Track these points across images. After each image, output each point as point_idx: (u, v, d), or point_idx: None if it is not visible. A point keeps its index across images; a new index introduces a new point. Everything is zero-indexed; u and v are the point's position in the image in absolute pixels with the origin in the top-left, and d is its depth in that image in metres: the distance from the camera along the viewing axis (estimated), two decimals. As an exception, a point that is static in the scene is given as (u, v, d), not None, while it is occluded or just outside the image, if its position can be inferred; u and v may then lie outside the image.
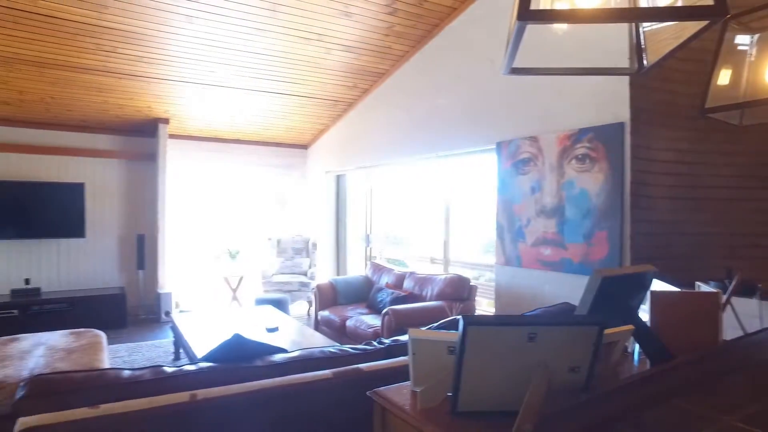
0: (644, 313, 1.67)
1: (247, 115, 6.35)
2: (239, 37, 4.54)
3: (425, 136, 5.11)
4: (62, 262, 5.97)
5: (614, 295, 1.48)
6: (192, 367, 1.78)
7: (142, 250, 6.17)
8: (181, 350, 4.36)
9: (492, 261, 4.34)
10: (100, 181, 6.17)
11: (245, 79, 5.38)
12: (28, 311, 5.31)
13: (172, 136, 6.27)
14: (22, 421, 1.39)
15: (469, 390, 1.24)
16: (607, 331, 1.27)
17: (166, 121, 6.11)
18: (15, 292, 5.48)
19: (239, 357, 1.85)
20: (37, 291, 5.59)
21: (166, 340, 5.13)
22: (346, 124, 6.61)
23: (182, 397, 1.58)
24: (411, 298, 4.57)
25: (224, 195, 7.50)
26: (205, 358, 1.89)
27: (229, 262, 6.65)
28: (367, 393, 1.48)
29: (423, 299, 4.50)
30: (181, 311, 5.91)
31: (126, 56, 4.69)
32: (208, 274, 9.02)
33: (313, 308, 6.25)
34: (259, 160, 7.36)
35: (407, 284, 4.84)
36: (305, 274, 6.66)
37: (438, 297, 4.37)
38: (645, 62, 1.37)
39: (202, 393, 1.60)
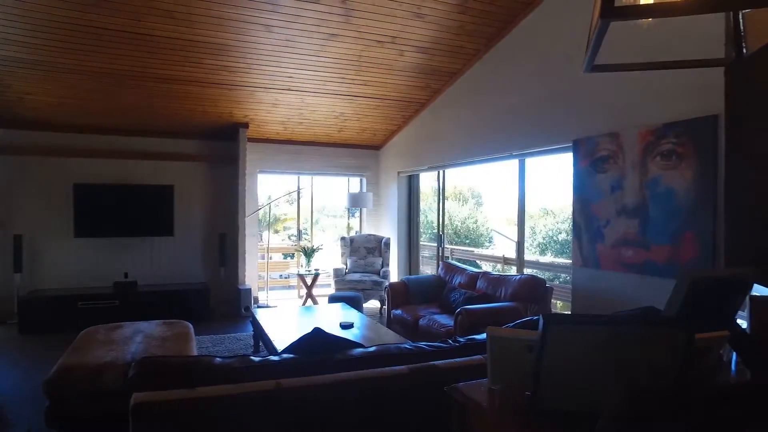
0: (742, 320, 1.57)
1: (322, 118, 6.57)
2: (314, 43, 4.71)
3: (498, 135, 5.04)
4: (154, 258, 6.47)
5: (706, 299, 1.41)
6: (276, 358, 1.88)
7: (223, 248, 6.55)
8: (260, 343, 4.59)
9: (567, 262, 4.20)
10: (187, 183, 6.62)
11: (320, 83, 5.57)
12: (127, 301, 5.81)
13: (250, 140, 6.61)
14: (136, 396, 1.54)
15: (549, 389, 1.23)
16: (699, 335, 1.21)
17: (245, 125, 6.46)
18: (116, 285, 6.02)
19: (319, 350, 1.94)
20: (134, 284, 6.10)
21: (246, 334, 5.42)
22: (418, 125, 6.65)
23: (268, 384, 1.69)
24: (484, 298, 4.53)
25: (299, 195, 7.79)
26: (287, 350, 1.99)
27: (305, 260, 6.89)
28: (445, 388, 1.50)
29: (496, 300, 4.44)
30: (258, 307, 6.21)
31: (210, 66, 5.02)
32: (284, 271, 9.43)
33: (385, 306, 6.35)
34: (333, 161, 7.58)
35: (480, 284, 4.79)
36: (378, 273, 6.78)
37: (512, 298, 4.30)
38: (744, 50, 1.29)
39: (286, 382, 1.70)
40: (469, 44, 4.95)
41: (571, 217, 4.05)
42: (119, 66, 4.87)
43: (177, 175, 6.56)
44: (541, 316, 1.16)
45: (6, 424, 3.30)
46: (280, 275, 9.38)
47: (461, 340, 2.23)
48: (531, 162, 4.93)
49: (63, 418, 3.09)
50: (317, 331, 2.00)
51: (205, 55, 4.79)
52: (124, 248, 6.32)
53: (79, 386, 3.10)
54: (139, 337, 3.79)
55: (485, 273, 4.95)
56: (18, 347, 4.93)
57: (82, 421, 3.12)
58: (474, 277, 4.95)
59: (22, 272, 5.85)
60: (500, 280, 4.61)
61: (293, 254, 11.57)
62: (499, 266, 8.54)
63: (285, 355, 1.91)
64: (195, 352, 3.73)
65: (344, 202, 7.83)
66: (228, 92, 5.64)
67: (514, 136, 4.81)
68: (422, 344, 2.18)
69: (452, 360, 2.03)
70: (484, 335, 2.21)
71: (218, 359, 1.84)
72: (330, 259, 9.56)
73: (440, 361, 2.00)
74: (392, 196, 7.40)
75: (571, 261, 4.13)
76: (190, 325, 4.20)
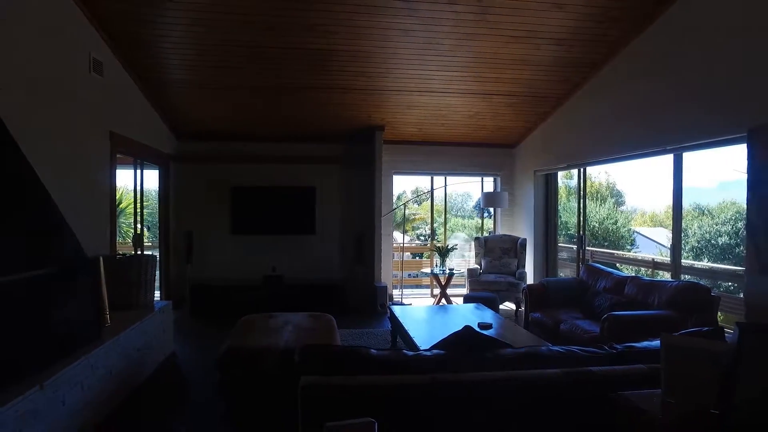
0: None
1: (456, 118, 6.58)
2: (451, 43, 4.74)
3: (648, 128, 4.61)
4: (298, 254, 7.01)
5: None
6: (428, 353, 1.93)
7: (361, 246, 6.87)
8: (397, 339, 4.74)
9: (733, 269, 3.69)
10: (328, 184, 7.08)
11: (455, 83, 5.59)
12: (274, 293, 6.39)
13: (386, 142, 6.85)
14: (305, 379, 1.70)
15: (744, 408, 1.10)
16: None
17: (381, 128, 6.71)
18: (266, 278, 6.64)
19: (469, 348, 1.95)
20: (280, 278, 6.68)
21: (382, 330, 5.63)
22: (556, 120, 6.35)
23: (424, 378, 1.74)
24: (633, 304, 4.18)
25: (432, 195, 7.89)
26: (437, 347, 2.04)
27: (438, 259, 6.95)
28: (610, 396, 1.42)
29: (647, 307, 4.07)
30: (392, 304, 6.41)
31: (350, 73, 5.31)
32: (416, 270, 9.62)
33: (521, 309, 6.17)
34: (467, 161, 7.55)
35: (628, 290, 4.42)
36: (513, 275, 6.60)
37: (667, 306, 3.90)
38: None
39: (440, 377, 1.74)
40: (614, 31, 4.60)
41: (743, 217, 3.56)
42: (273, 80, 5.39)
43: (319, 177, 7.04)
44: (736, 324, 1.05)
45: (186, 387, 3.86)
46: (409, 274, 9.58)
47: (618, 347, 2.09)
48: (688, 157, 4.43)
49: (230, 391, 3.51)
50: (467, 329, 2.01)
51: (346, 63, 5.08)
52: (272, 245, 6.95)
53: (243, 366, 3.50)
54: (289, 326, 4.13)
55: (635, 277, 4.56)
56: (191, 326, 5.68)
57: (245, 395, 3.51)
58: (621, 282, 4.59)
59: (191, 263, 6.73)
60: (653, 286, 4.21)
61: (422, 254, 11.76)
62: (643, 270, 7.81)
63: (435, 351, 1.96)
64: (339, 344, 3.97)
65: (474, 202, 7.74)
66: (366, 97, 5.92)
67: (668, 129, 4.36)
68: (574, 348, 2.09)
69: (610, 367, 1.91)
70: (645, 343, 2.05)
71: (374, 351, 1.94)
72: (461, 260, 9.55)
73: (596, 368, 1.89)
74: (528, 195, 7.15)
75: (742, 267, 3.63)
76: (333, 319, 4.48)
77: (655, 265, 6.91)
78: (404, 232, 8.37)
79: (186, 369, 4.33)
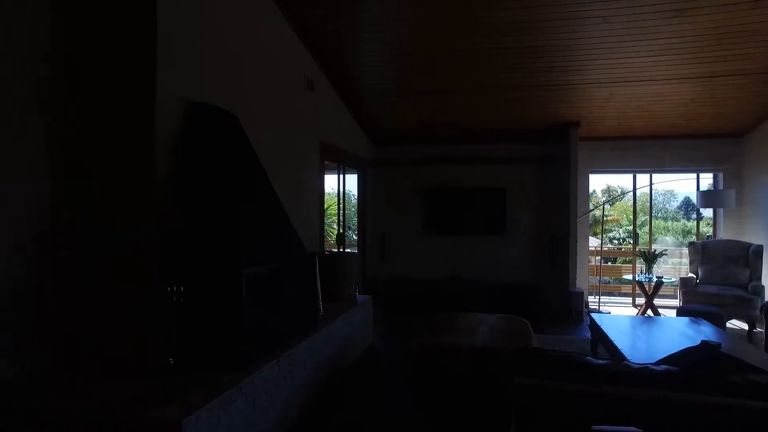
0: None
1: (664, 108, 5.84)
2: (657, 24, 4.21)
3: None
4: (489, 255, 6.97)
5: None
6: (657, 368, 1.74)
7: (554, 249, 6.53)
8: (597, 349, 4.38)
9: None
10: (518, 185, 6.89)
11: (664, 69, 4.96)
12: (463, 293, 6.45)
13: (581, 139, 6.40)
14: (519, 380, 1.67)
15: None
16: None
17: (576, 124, 6.29)
18: (455, 278, 6.76)
19: (710, 367, 1.70)
20: (470, 279, 6.72)
21: (578, 338, 5.27)
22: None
23: (654, 394, 1.57)
24: None
25: (635, 195, 7.14)
26: (665, 362, 1.82)
27: (645, 266, 6.24)
28: None
29: None
30: (590, 312, 5.95)
31: (541, 69, 5.09)
32: (614, 277, 8.80)
33: (756, 329, 5.23)
34: (678, 155, 6.65)
35: None
36: (743, 287, 5.59)
37: None
38: None
39: (676, 396, 1.55)
40: None
41: None
42: (464, 82, 5.46)
43: (508, 177, 6.90)
44: None
45: (384, 377, 4.13)
46: (604, 280, 8.78)
47: None
48: None
49: (424, 384, 3.66)
50: (708, 346, 1.76)
51: (537, 59, 4.89)
52: (461, 245, 7.03)
53: (437, 362, 3.61)
54: (483, 327, 4.13)
55: None
56: (386, 322, 6.06)
57: (439, 390, 3.62)
58: None
59: (384, 261, 7.19)
60: None
61: (615, 258, 10.69)
62: None
63: (665, 367, 1.75)
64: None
65: (680, 202, 6.75)
66: (558, 92, 5.62)
67: None
68: None
69: None
70: None
71: (590, 358, 1.82)
72: (668, 267, 8.44)
73: None
74: (764, 194, 5.97)
75: None
76: (528, 322, 4.34)
77: None
78: (602, 234, 7.71)
79: (383, 359, 4.64)
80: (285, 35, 4.47)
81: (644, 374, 1.69)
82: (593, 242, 8.32)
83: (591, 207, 7.13)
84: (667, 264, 8.65)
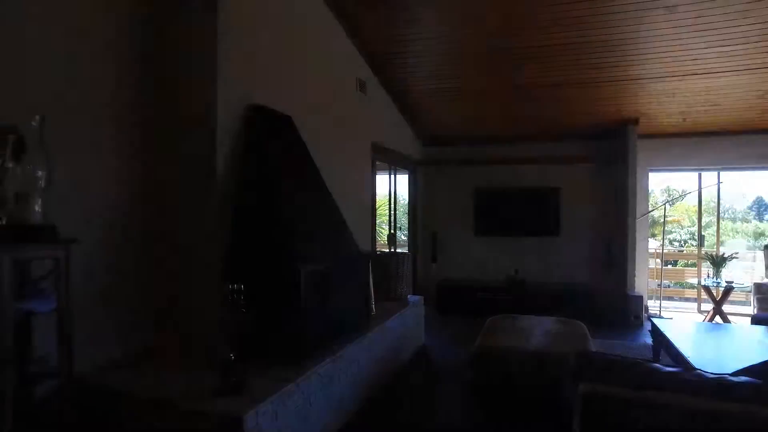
0: None
1: (734, 101, 5.50)
2: (727, 11, 3.97)
3: None
4: (541, 257, 6.80)
5: None
6: (735, 379, 1.64)
7: (610, 250, 6.29)
8: (659, 356, 4.19)
9: None
10: (572, 184, 6.67)
11: (736, 59, 4.67)
12: (517, 296, 6.32)
13: (640, 136, 6.13)
14: (584, 387, 1.62)
15: None
16: None
17: (635, 121, 6.03)
18: (508, 280, 6.62)
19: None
20: (523, 280, 6.57)
21: (637, 343, 5.06)
22: None
23: (733, 407, 1.48)
24: None
25: (700, 194, 6.76)
26: (746, 373, 1.71)
27: (712, 270, 5.90)
28: None
29: None
30: (651, 317, 5.68)
31: (597, 65, 4.91)
32: (676, 280, 8.38)
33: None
34: (750, 151, 6.23)
35: None
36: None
37: None
38: None
39: (759, 411, 1.45)
40: None
41: None
42: (517, 80, 5.35)
43: (563, 177, 6.70)
44: None
45: (437, 378, 4.10)
46: (664, 284, 8.36)
47: None
48: None
49: (482, 388, 3.61)
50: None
51: (594, 54, 4.73)
52: (514, 246, 6.89)
53: (494, 366, 3.55)
54: (538, 330, 4.03)
55: None
56: (438, 323, 6.01)
57: (496, 394, 3.56)
58: None
59: (436, 262, 7.15)
60: None
61: (675, 261, 10.14)
62: None
63: (746, 378, 1.64)
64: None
65: (750, 202, 6.33)
66: (616, 88, 5.40)
67: None
68: None
69: None
70: None
71: (659, 365, 1.73)
72: (739, 271, 7.94)
73: None
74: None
75: None
76: (584, 326, 4.21)
77: None
78: (662, 235, 7.34)
79: (436, 361, 4.61)
80: (338, 38, 4.54)
81: (722, 385, 1.59)
82: (653, 244, 7.95)
83: (650, 207, 6.81)
84: (737, 268, 8.14)
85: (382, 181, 6.58)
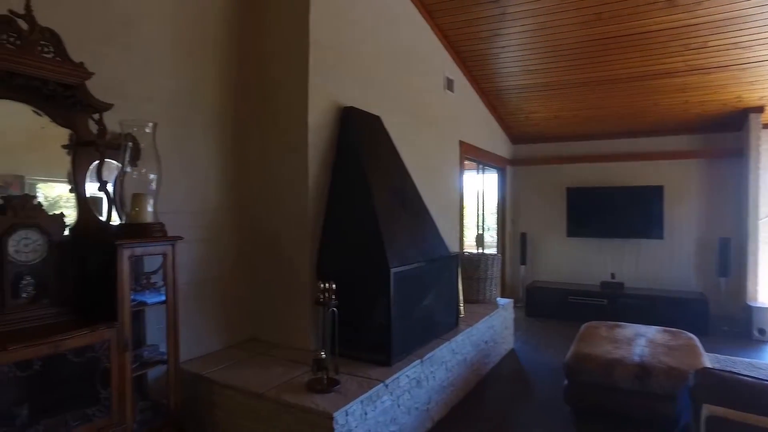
0: None
1: None
2: None
3: None
4: (642, 261, 6.29)
5: None
6: None
7: (725, 255, 5.67)
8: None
9: None
10: (678, 182, 6.10)
11: None
12: (614, 302, 5.89)
13: (766, 126, 5.46)
14: (709, 408, 1.44)
15: None
16: None
17: (759, 109, 5.37)
18: (603, 284, 6.20)
19: None
20: (621, 285, 6.12)
21: (764, 362, 4.50)
22: None
23: None
24: None
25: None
26: None
27: None
28: None
29: None
30: (775, 330, 5.05)
31: (714, 48, 4.43)
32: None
33: None
34: None
35: None
36: None
37: None
38: None
39: None
40: None
41: None
42: (612, 71, 4.99)
43: (666, 174, 6.15)
44: None
45: (528, 384, 3.91)
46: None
47: None
48: None
49: (577, 398, 3.38)
50: None
51: (709, 37, 4.27)
52: (611, 249, 6.44)
53: (591, 374, 3.31)
54: (641, 340, 3.72)
55: None
56: (527, 327, 5.77)
57: (593, 405, 3.32)
58: None
59: (525, 264, 6.87)
60: None
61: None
62: None
63: None
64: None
65: None
66: (737, 74, 4.84)
67: None
68: None
69: None
70: None
71: (801, 390, 1.50)
72: None
73: None
74: None
75: None
76: (696, 338, 3.81)
77: None
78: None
79: (526, 367, 4.41)
80: (426, 36, 4.49)
81: None
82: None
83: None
84: None
85: (470, 180, 6.44)
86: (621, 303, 5.87)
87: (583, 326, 4.12)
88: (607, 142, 6.49)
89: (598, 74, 5.12)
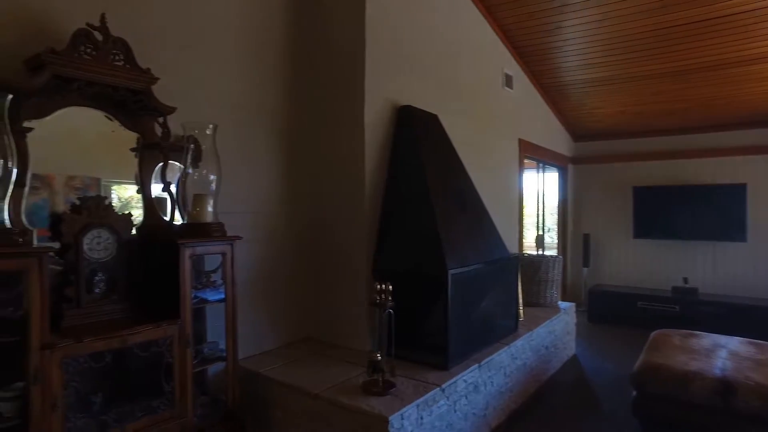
0: None
1: None
2: None
3: None
4: (718, 265, 5.85)
5: None
6: None
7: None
8: None
9: None
10: (763, 179, 5.62)
11: None
12: (687, 308, 5.51)
13: None
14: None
15: None
16: None
17: None
18: (675, 289, 5.81)
19: None
20: (695, 291, 5.71)
21: None
22: None
23: None
24: None
25: None
26: None
27: None
28: None
29: None
30: None
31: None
32: None
33: None
34: None
35: None
36: None
37: None
38: None
39: None
40: None
41: None
42: (683, 62, 4.65)
43: (748, 171, 5.68)
44: None
45: (592, 393, 3.72)
46: None
47: None
48: None
49: (647, 412, 3.17)
50: None
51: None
52: (683, 252, 6.04)
53: (663, 387, 3.09)
54: (721, 352, 3.44)
55: None
56: (590, 333, 5.50)
57: (664, 420, 3.10)
58: None
59: (588, 266, 6.57)
60: None
61: None
62: None
63: None
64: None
65: None
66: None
67: None
68: None
69: None
70: None
71: None
72: None
73: None
74: None
75: None
76: (786, 352, 3.48)
77: None
78: None
79: (589, 374, 4.20)
80: (484, 31, 4.38)
81: None
82: None
83: None
84: None
85: (529, 179, 6.24)
86: (695, 310, 5.48)
87: (653, 334, 3.87)
88: (678, 137, 6.09)
89: (667, 65, 4.79)
